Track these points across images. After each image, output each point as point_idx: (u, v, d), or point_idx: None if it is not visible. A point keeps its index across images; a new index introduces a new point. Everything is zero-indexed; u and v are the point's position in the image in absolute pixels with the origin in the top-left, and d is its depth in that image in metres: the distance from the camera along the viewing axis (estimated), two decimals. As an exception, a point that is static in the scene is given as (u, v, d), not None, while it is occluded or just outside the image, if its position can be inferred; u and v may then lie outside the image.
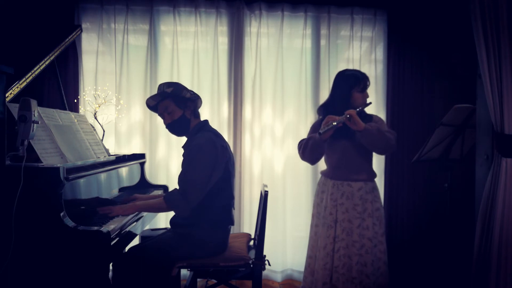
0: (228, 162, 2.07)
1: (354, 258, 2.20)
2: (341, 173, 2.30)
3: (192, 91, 2.13)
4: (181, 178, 2.00)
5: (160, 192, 2.78)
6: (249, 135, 3.26)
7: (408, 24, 3.23)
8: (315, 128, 2.36)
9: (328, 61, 3.28)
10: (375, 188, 2.32)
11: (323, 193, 2.37)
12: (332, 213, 2.27)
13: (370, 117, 2.32)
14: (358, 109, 2.17)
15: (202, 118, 2.21)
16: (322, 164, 3.52)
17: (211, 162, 1.99)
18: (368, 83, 2.29)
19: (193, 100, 2.13)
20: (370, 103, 2.26)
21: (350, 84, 2.27)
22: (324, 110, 2.36)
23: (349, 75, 2.30)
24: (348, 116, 2.11)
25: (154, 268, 1.94)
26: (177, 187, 2.02)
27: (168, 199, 1.98)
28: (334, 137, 2.22)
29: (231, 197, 2.13)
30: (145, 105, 2.21)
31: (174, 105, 2.10)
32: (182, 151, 2.13)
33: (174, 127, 2.13)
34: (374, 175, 2.34)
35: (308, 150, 2.27)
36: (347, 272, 2.20)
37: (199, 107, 2.21)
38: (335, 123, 2.09)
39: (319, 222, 2.35)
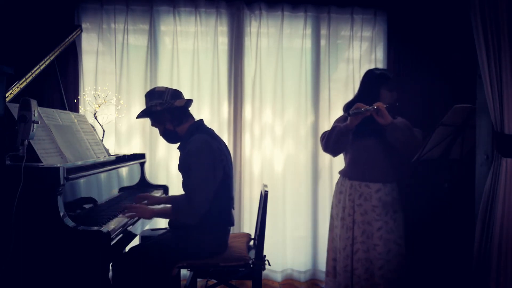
0: (225, 164, 2.06)
1: (376, 262, 2.13)
2: (359, 171, 2.24)
3: (165, 97, 2.03)
4: (185, 186, 1.99)
5: (160, 192, 2.78)
6: (249, 135, 3.26)
7: (408, 24, 3.23)
8: (339, 122, 2.30)
9: (328, 61, 3.28)
10: (394, 189, 2.27)
11: (341, 194, 2.32)
12: (350, 214, 2.22)
13: (395, 119, 2.26)
14: (386, 105, 2.12)
15: (202, 118, 2.19)
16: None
17: (211, 165, 1.97)
18: (396, 84, 2.23)
19: (167, 109, 2.04)
20: (398, 104, 2.20)
21: (379, 81, 2.21)
22: (350, 107, 2.29)
23: (379, 73, 2.24)
24: (376, 107, 2.06)
25: (154, 268, 1.94)
26: (175, 186, 2.01)
27: (175, 209, 1.98)
28: (358, 132, 2.17)
29: (230, 198, 2.12)
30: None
31: (153, 121, 2.12)
32: (181, 151, 2.13)
33: (165, 139, 2.17)
34: (394, 176, 2.28)
35: (333, 140, 2.20)
36: (370, 277, 2.13)
37: (188, 106, 2.13)
38: (363, 110, 2.04)
39: (338, 223, 2.30)
